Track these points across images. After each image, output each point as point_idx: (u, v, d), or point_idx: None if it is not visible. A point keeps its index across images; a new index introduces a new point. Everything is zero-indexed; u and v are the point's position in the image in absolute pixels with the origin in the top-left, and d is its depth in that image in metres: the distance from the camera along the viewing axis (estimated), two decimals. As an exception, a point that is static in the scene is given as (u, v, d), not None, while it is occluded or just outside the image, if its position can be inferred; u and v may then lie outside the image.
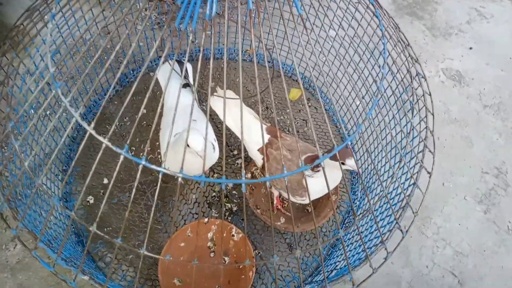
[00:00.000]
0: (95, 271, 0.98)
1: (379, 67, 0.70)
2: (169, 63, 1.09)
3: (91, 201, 1.09)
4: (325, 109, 1.29)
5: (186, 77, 1.07)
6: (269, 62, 1.30)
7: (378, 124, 1.11)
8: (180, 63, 1.06)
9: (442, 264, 1.11)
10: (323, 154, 0.91)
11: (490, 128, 1.33)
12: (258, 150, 0.97)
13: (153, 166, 0.52)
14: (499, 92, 1.41)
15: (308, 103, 1.30)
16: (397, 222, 0.68)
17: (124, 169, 1.14)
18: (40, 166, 1.04)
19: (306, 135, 1.23)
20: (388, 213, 0.81)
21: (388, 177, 0.95)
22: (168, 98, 1.03)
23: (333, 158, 0.85)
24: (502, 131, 1.33)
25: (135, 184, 0.55)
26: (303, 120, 1.26)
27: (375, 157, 1.05)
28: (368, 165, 1.11)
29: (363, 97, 1.05)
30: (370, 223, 0.91)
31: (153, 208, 0.53)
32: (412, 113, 0.74)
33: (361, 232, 0.92)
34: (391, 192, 0.84)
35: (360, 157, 1.13)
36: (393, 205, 0.71)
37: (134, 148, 1.18)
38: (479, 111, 1.36)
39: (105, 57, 1.25)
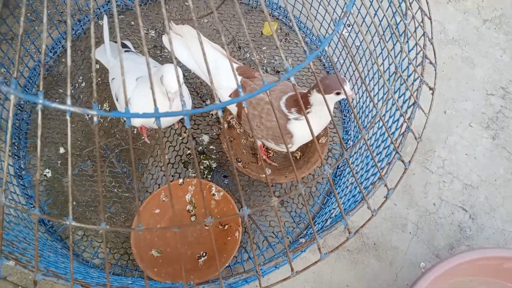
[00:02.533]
0: (63, 250, 0.86)
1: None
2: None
3: (49, 175, 0.95)
4: (306, 42, 1.13)
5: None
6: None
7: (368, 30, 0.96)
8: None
9: (450, 200, 1.00)
10: (309, 91, 0.77)
11: (493, 44, 1.18)
12: (230, 95, 0.82)
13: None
14: (499, 2, 1.24)
15: (286, 37, 1.13)
16: (397, 152, 0.55)
17: (82, 135, 1.00)
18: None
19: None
20: (386, 144, 0.68)
21: (381, 98, 0.82)
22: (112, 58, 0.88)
23: (326, 91, 0.71)
24: (506, 46, 1.18)
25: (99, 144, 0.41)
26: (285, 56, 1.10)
27: (366, 76, 0.90)
28: (363, 93, 0.97)
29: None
30: (366, 160, 0.78)
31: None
32: (406, 15, 0.59)
33: (356, 172, 0.80)
34: (388, 120, 0.70)
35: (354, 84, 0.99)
36: (391, 132, 0.58)
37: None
38: (478, 27, 1.21)
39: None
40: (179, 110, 0.79)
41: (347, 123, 1.03)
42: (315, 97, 0.72)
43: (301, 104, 0.42)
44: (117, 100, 0.85)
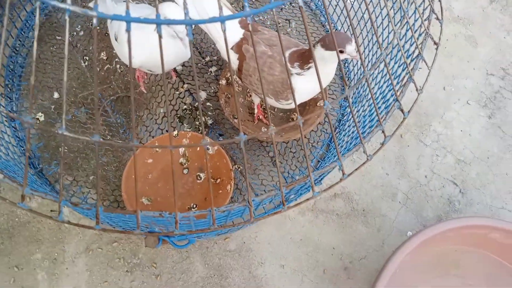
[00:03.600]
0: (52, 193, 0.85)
1: None
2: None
3: (41, 118, 0.94)
4: (311, 8, 1.12)
5: None
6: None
7: None
8: None
9: (442, 173, 1.00)
10: (313, 45, 0.76)
11: (497, 25, 1.18)
12: (232, 48, 0.81)
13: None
14: (508, -14, 1.24)
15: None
16: (397, 100, 0.55)
17: (78, 82, 0.98)
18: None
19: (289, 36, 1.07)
20: (384, 96, 0.68)
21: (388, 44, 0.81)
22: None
23: (329, 47, 0.70)
24: (510, 28, 1.17)
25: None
26: (286, 20, 1.08)
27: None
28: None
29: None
30: (364, 111, 0.78)
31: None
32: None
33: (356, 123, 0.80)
34: (392, 66, 0.69)
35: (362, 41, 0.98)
36: (394, 77, 0.57)
37: (87, 58, 1.01)
38: (485, 7, 1.20)
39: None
40: (187, 49, 0.77)
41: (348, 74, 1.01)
42: (318, 52, 0.71)
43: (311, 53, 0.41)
44: (116, 39, 0.83)
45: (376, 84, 0.79)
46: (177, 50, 0.75)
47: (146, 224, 0.70)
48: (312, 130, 0.96)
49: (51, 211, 0.91)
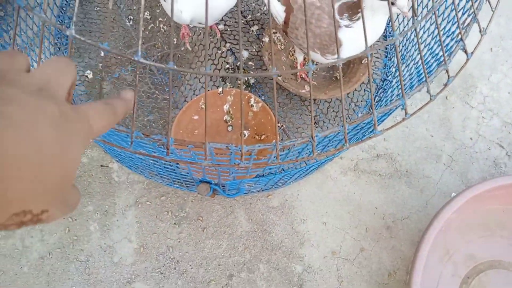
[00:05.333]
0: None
1: None
2: None
3: (90, 76, 0.97)
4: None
5: None
6: None
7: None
8: None
9: (488, 136, 0.98)
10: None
11: (551, -16, 1.12)
12: (279, 0, 0.80)
13: None
14: None
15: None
16: (461, 40, 0.53)
17: (123, 40, 1.00)
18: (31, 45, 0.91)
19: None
20: (432, 52, 0.66)
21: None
22: None
23: None
24: None
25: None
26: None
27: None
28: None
29: None
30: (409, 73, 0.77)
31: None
32: None
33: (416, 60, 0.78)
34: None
35: None
36: (449, 31, 0.56)
37: (132, 17, 1.02)
38: (538, -35, 1.14)
39: None
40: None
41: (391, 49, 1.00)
42: (369, 1, 0.70)
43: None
44: (164, 0, 0.84)
45: (423, 43, 0.77)
46: None
47: (199, 173, 0.72)
48: (356, 90, 0.95)
49: (101, 166, 0.94)
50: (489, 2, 0.56)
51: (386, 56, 1.00)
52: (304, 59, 0.92)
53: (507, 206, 0.85)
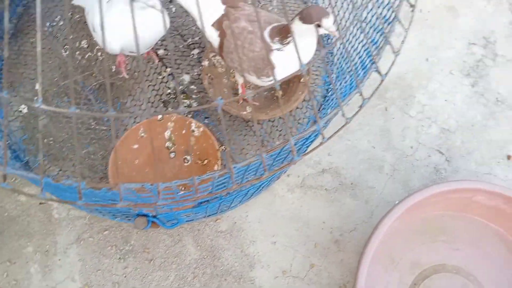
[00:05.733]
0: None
1: None
2: None
3: (25, 110, 0.93)
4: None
5: None
6: None
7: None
8: None
9: (427, 143, 1.01)
10: (292, 20, 0.76)
11: (477, -6, 1.18)
12: (213, 25, 0.80)
13: None
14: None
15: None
16: (373, 62, 0.55)
17: (59, 71, 0.97)
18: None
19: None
20: (363, 63, 0.68)
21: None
22: None
23: (306, 20, 0.70)
24: (490, -3, 1.18)
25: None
26: (266, -4, 1.08)
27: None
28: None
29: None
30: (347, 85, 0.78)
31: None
32: None
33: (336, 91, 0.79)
34: (368, 31, 0.69)
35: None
36: (371, 43, 0.57)
37: (68, 47, 0.99)
38: (464, -23, 1.20)
39: None
40: (160, 22, 0.76)
41: (330, 65, 1.02)
42: (297, 26, 0.71)
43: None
44: (94, 31, 0.83)
45: (355, 51, 0.79)
46: (152, 22, 0.74)
47: (133, 205, 0.70)
48: (298, 108, 0.97)
49: (40, 203, 0.91)
50: (400, 23, 0.58)
51: (326, 73, 1.02)
52: (245, 81, 0.93)
53: (445, 211, 0.88)
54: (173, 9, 1.01)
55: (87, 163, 0.91)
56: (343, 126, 0.52)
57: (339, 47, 0.97)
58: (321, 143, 0.52)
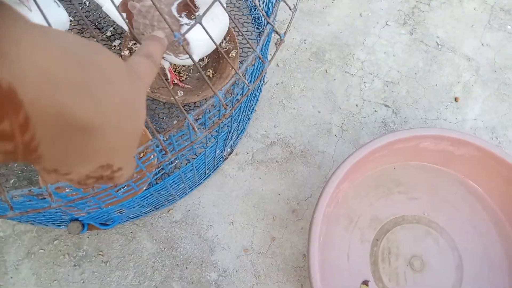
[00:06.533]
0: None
1: None
2: None
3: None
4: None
5: None
6: None
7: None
8: None
9: (372, 98, 1.00)
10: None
11: None
12: (118, 8, 0.76)
13: None
14: None
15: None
16: (268, 23, 0.52)
17: None
18: None
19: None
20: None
21: None
22: None
23: None
24: None
25: None
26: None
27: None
28: None
29: None
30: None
31: None
32: None
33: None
34: None
35: None
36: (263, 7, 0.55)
37: None
38: None
39: None
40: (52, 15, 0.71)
41: (259, 19, 0.98)
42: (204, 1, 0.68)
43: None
44: None
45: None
46: (41, 20, 0.70)
47: (25, 212, 0.68)
48: (235, 83, 0.94)
49: (-15, 225, 0.87)
50: (286, 3, 0.55)
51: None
52: (172, 64, 0.90)
53: (396, 163, 0.87)
54: (87, 3, 0.97)
55: (23, 176, 0.87)
56: (245, 94, 0.49)
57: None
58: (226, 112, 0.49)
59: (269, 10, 0.87)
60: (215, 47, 0.81)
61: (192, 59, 0.44)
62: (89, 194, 0.47)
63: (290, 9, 0.56)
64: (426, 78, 1.02)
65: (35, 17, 0.68)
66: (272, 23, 0.54)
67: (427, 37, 1.06)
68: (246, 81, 0.54)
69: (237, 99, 0.64)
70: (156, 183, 0.74)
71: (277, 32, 0.54)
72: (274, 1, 0.59)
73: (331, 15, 1.07)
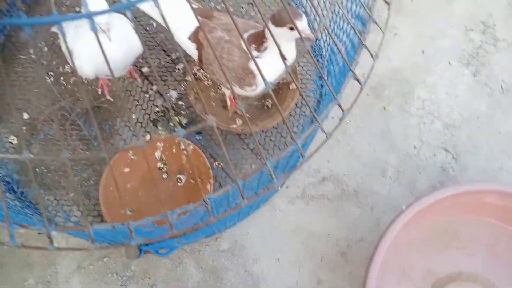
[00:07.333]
0: (34, 216, 0.83)
1: None
2: None
3: (14, 141, 0.92)
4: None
5: None
6: None
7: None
8: None
9: (432, 141, 0.97)
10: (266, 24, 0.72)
11: (473, -21, 1.12)
12: (189, 38, 0.77)
13: None
14: None
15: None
16: (350, 70, 0.51)
17: (46, 98, 0.95)
18: None
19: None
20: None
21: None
22: None
23: (278, 23, 0.67)
24: (487, -20, 1.12)
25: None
26: (248, 3, 1.04)
27: None
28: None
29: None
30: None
31: None
32: None
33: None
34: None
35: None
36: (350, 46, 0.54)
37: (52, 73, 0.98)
38: (458, -39, 1.14)
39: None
40: (124, 45, 0.73)
41: (319, 50, 0.97)
42: (274, 31, 0.68)
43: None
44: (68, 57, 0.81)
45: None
46: (121, 43, 0.71)
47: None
48: (290, 115, 0.93)
49: (39, 233, 0.89)
50: (368, 50, 0.53)
51: (320, 78, 0.98)
52: (232, 93, 0.90)
53: (456, 215, 0.83)
54: (154, 24, 0.99)
55: (82, 190, 0.89)
56: (324, 142, 0.48)
57: (328, 50, 0.93)
58: (301, 163, 0.48)
59: (333, 53, 0.86)
60: (277, 80, 0.81)
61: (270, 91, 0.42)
62: (169, 234, 0.47)
63: (372, 57, 0.54)
64: (489, 123, 0.98)
65: (113, 45, 0.69)
66: (353, 71, 0.53)
67: (491, 80, 1.02)
68: (324, 129, 0.52)
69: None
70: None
71: (358, 81, 0.53)
72: (356, 48, 0.57)
73: (393, 50, 1.04)
